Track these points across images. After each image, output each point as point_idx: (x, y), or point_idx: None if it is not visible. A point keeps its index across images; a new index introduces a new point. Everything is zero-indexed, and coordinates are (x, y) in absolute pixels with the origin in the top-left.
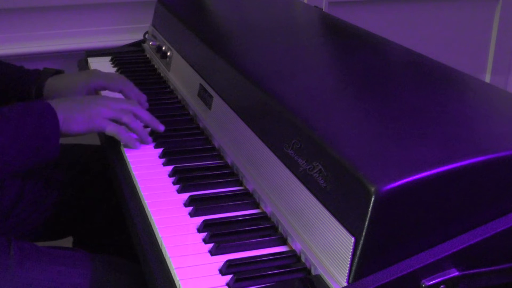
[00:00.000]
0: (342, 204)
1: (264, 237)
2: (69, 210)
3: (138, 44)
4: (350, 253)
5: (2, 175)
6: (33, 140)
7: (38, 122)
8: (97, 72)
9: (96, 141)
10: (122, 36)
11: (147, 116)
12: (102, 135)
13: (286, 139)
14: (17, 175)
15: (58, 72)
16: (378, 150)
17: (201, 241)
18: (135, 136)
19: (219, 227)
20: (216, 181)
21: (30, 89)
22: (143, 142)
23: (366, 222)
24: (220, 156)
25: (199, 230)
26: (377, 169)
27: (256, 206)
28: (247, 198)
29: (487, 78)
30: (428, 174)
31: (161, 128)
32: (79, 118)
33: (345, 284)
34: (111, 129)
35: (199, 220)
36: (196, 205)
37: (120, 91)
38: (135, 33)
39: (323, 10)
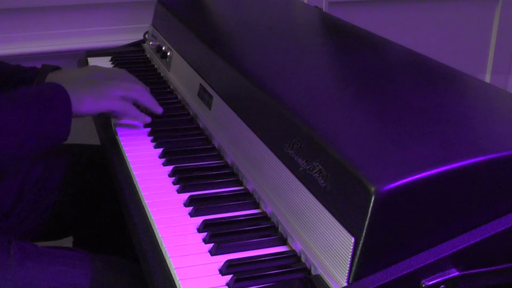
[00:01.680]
0: (342, 204)
1: (264, 237)
2: (69, 210)
3: (138, 44)
4: (350, 253)
5: (15, 157)
6: (45, 121)
7: (49, 105)
8: (98, 68)
9: (96, 141)
10: (122, 36)
11: (149, 98)
12: (102, 135)
13: (286, 139)
14: (24, 160)
15: (56, 68)
16: (378, 150)
17: (201, 241)
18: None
19: (219, 227)
20: (216, 181)
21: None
22: (155, 112)
23: (366, 222)
24: (220, 156)
25: (199, 230)
26: (377, 169)
27: (256, 206)
28: (247, 198)
29: (487, 78)
30: (428, 174)
31: (159, 110)
32: (88, 99)
33: (345, 284)
34: (120, 108)
35: (199, 220)
36: (196, 205)
37: None
38: (135, 33)
39: (323, 10)
